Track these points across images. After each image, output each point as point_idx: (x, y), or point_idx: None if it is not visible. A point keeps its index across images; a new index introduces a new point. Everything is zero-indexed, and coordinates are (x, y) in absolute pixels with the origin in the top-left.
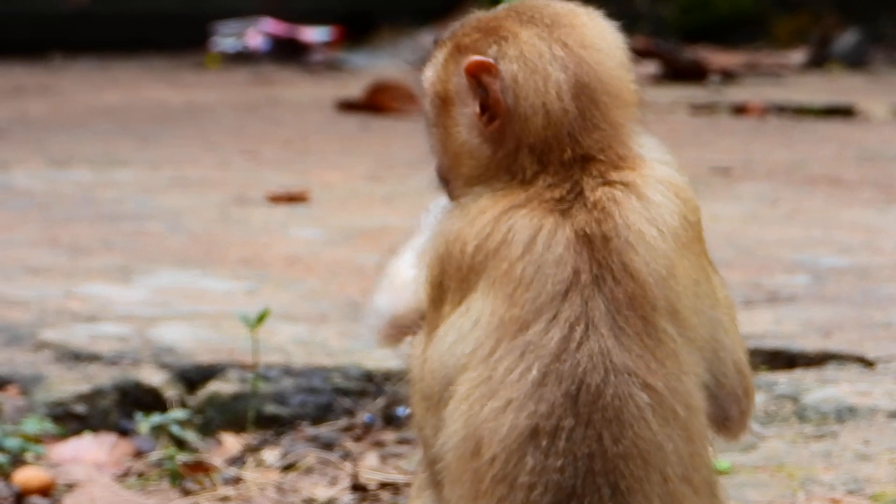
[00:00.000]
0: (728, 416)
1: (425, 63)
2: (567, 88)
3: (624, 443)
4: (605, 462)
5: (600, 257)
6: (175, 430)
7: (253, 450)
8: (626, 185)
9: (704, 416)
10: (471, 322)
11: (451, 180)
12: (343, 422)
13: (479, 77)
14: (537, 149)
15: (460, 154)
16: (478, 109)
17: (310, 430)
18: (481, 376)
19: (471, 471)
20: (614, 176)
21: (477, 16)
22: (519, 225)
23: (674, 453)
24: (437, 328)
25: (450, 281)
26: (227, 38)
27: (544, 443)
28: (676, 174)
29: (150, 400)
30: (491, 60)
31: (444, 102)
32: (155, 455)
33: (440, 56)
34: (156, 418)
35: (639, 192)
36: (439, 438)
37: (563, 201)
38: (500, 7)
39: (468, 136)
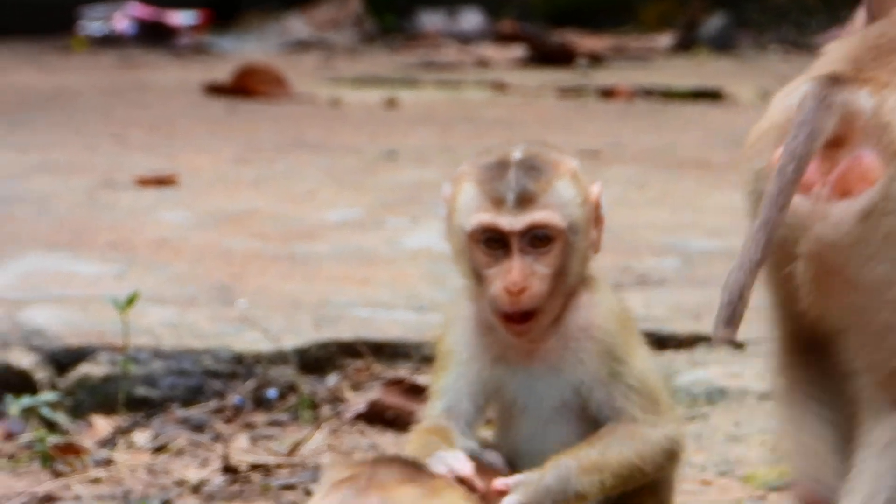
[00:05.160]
0: None
1: None
2: None
3: None
4: None
5: None
6: (45, 412)
7: (124, 432)
8: None
9: None
10: None
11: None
12: (213, 404)
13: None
14: None
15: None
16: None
17: (180, 413)
18: None
19: None
20: None
21: None
22: None
23: None
24: None
25: None
26: (93, 21)
27: None
28: None
29: (20, 382)
30: None
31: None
32: (25, 437)
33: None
34: (26, 400)
35: None
36: None
37: None
38: None
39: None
